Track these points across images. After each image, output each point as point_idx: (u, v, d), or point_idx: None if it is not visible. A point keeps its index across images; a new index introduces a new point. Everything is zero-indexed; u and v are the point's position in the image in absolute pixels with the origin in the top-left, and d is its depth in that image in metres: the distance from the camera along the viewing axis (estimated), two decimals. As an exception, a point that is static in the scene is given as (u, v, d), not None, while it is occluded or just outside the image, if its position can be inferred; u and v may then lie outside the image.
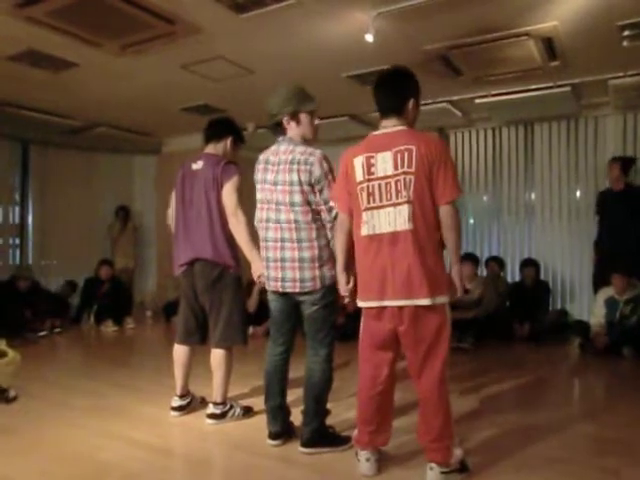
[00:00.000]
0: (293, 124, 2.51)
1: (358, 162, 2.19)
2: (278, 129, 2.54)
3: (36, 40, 3.99)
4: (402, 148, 2.10)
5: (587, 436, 2.75)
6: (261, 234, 2.58)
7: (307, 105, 2.52)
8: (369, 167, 2.16)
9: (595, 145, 5.83)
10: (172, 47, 4.16)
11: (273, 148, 2.56)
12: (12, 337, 4.90)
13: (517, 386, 3.67)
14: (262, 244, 2.57)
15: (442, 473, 2.12)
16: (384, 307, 2.15)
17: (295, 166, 2.42)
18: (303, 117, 2.52)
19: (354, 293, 2.36)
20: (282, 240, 2.46)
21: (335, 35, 3.96)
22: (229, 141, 3.08)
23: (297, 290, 2.45)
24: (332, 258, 2.46)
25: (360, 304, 2.25)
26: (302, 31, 3.90)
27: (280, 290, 2.51)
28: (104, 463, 2.43)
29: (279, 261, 2.47)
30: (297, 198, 2.42)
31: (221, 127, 3.11)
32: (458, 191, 2.12)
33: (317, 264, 2.43)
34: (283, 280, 2.47)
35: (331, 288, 2.47)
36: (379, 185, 2.14)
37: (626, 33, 3.85)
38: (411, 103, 2.21)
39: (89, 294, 6.52)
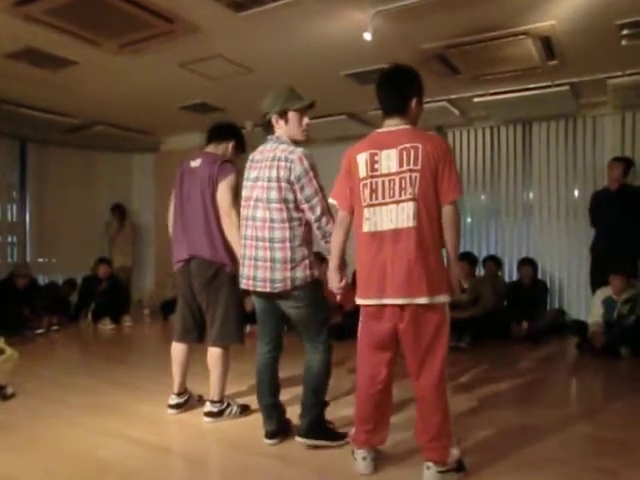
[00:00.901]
0: (282, 122, 2.52)
1: (361, 159, 2.20)
2: (269, 128, 2.56)
3: (35, 38, 3.98)
4: (408, 146, 2.11)
5: (585, 436, 2.75)
6: (241, 232, 2.59)
7: (295, 103, 2.51)
8: (372, 164, 2.16)
9: (593, 144, 5.83)
10: (171, 46, 4.16)
11: (261, 147, 2.58)
12: (10, 335, 4.91)
13: (515, 386, 3.68)
14: (242, 242, 2.58)
15: (439, 472, 2.13)
16: (384, 305, 2.15)
17: (275, 162, 2.42)
18: (291, 115, 2.51)
19: (349, 292, 2.37)
20: (256, 239, 2.47)
21: (333, 34, 3.95)
22: (230, 145, 3.10)
23: (267, 290, 2.44)
24: (306, 258, 2.44)
25: (359, 301, 2.24)
26: (300, 30, 3.89)
27: (251, 288, 2.51)
28: (103, 461, 2.44)
29: (253, 259, 2.48)
30: (274, 195, 2.41)
31: (224, 130, 3.14)
32: (460, 192, 2.13)
33: (289, 265, 2.41)
34: (254, 279, 2.47)
35: (311, 288, 2.46)
36: (382, 182, 2.14)
37: (624, 32, 3.85)
38: (414, 102, 2.22)
39: (87, 292, 6.53)
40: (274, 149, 2.48)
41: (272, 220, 2.43)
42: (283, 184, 2.40)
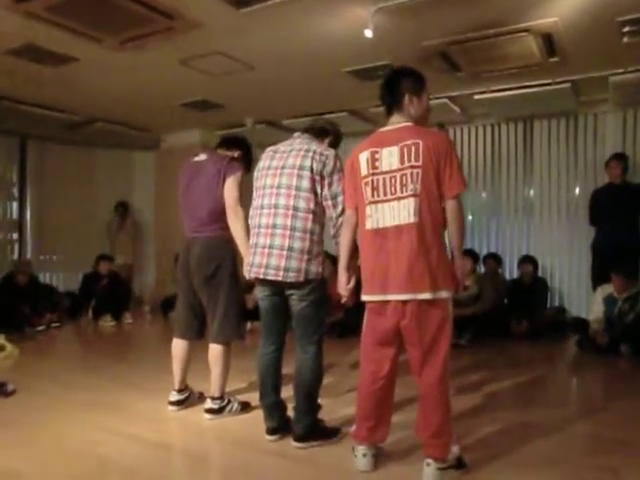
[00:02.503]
0: (326, 140, 2.67)
1: (363, 157, 2.22)
2: (314, 132, 2.66)
3: (35, 35, 3.97)
4: (409, 142, 2.12)
5: (585, 435, 2.76)
6: (254, 221, 2.58)
7: (335, 140, 2.74)
8: (374, 162, 2.19)
9: (594, 142, 5.82)
10: (171, 42, 4.15)
11: (287, 141, 2.62)
12: (11, 331, 4.92)
13: (515, 384, 3.68)
14: (254, 231, 2.56)
15: (439, 469, 2.13)
16: (387, 301, 2.16)
17: (310, 154, 2.46)
18: (326, 142, 2.67)
19: (352, 293, 2.38)
20: (274, 226, 2.46)
21: (334, 30, 3.94)
22: (236, 154, 3.09)
23: (279, 279, 2.42)
24: (321, 255, 2.48)
25: (364, 298, 2.25)
26: (301, 26, 3.89)
27: (261, 276, 2.49)
28: (104, 458, 2.44)
29: (267, 247, 2.46)
30: (305, 183, 2.43)
31: (235, 140, 3.16)
32: (463, 185, 2.15)
33: (306, 257, 2.42)
34: (267, 267, 2.45)
35: (320, 284, 2.48)
36: (383, 179, 2.16)
37: (626, 29, 3.84)
38: (406, 98, 2.24)
39: (88, 289, 6.53)
40: (307, 143, 2.54)
41: (296, 208, 2.43)
42: (315, 176, 2.43)
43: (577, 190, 5.97)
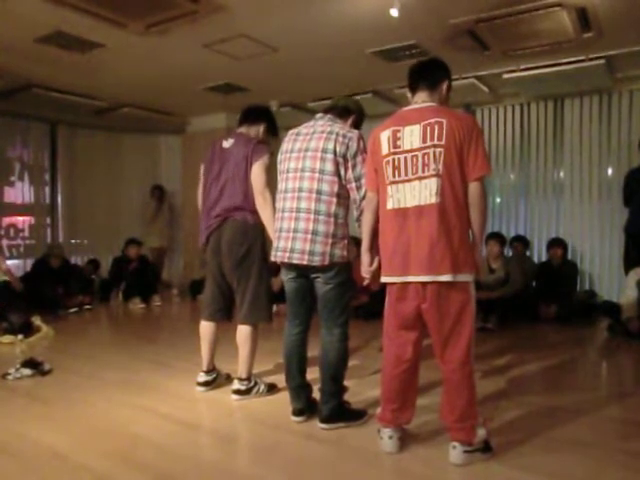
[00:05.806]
0: (348, 119, 2.64)
1: (384, 136, 2.19)
2: (335, 112, 2.62)
3: (64, 22, 4.02)
4: (432, 121, 2.09)
5: (614, 419, 2.71)
6: (278, 205, 2.58)
7: (358, 119, 2.69)
8: (395, 140, 2.15)
9: (629, 120, 5.62)
10: (195, 26, 4.15)
11: (309, 123, 2.59)
12: (45, 313, 5.08)
13: (543, 367, 3.64)
14: (278, 215, 2.57)
15: (465, 452, 2.13)
16: (407, 283, 2.14)
17: (333, 136, 2.44)
18: (349, 121, 2.64)
19: (376, 274, 2.37)
20: (298, 210, 2.46)
21: (359, 10, 3.87)
22: (261, 128, 3.10)
23: (304, 262, 2.43)
24: (346, 238, 2.47)
25: (383, 279, 2.24)
26: (326, 6, 3.83)
27: (286, 261, 2.50)
28: (135, 435, 2.52)
29: (291, 231, 2.47)
30: (329, 166, 2.42)
31: (256, 113, 3.15)
32: (488, 168, 2.10)
33: (330, 240, 2.41)
34: (292, 251, 2.46)
35: (345, 267, 2.48)
36: (405, 158, 2.13)
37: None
38: (445, 84, 2.24)
39: (118, 272, 6.68)
40: (329, 125, 2.51)
41: (320, 192, 2.42)
42: (339, 158, 2.41)
43: (610, 171, 5.79)
